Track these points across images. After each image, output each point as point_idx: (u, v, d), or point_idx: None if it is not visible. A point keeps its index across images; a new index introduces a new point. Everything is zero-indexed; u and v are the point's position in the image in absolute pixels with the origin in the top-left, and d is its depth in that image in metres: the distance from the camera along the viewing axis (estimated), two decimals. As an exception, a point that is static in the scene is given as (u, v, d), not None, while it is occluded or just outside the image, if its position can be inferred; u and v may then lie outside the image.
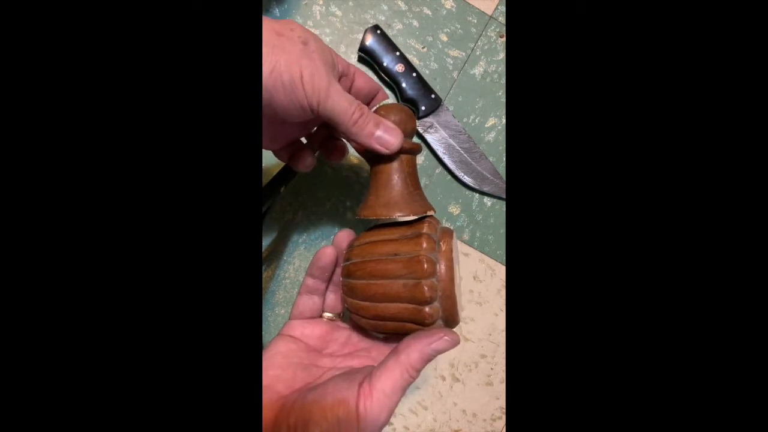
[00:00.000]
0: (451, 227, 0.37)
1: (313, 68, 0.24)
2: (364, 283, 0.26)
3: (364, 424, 0.21)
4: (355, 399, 0.22)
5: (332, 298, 0.32)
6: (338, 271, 0.31)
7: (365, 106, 0.26)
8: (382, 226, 0.29)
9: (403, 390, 0.23)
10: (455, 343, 0.24)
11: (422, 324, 0.25)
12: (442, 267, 0.26)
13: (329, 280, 0.31)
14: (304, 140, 0.34)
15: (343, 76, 0.29)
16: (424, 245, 0.26)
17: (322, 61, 0.25)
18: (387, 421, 0.22)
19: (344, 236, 0.30)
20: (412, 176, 0.29)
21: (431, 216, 0.28)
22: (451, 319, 0.26)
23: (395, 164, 0.28)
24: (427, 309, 0.25)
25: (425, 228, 0.26)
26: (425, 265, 0.25)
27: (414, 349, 0.23)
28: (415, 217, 0.28)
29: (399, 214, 0.27)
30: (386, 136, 0.26)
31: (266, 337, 0.42)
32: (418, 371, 0.23)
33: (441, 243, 0.27)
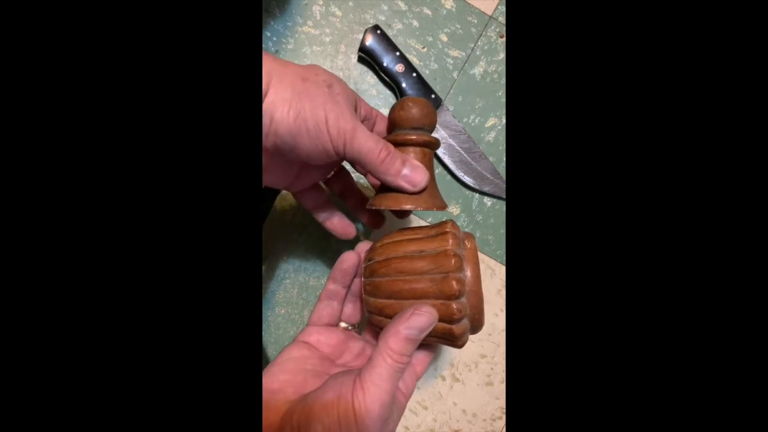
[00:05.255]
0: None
1: (339, 111, 0.25)
2: (389, 280, 0.26)
3: (360, 417, 0.21)
4: (351, 394, 0.22)
5: (350, 307, 0.32)
6: (357, 281, 0.31)
7: (391, 145, 0.27)
8: (402, 229, 0.29)
9: (392, 378, 0.23)
10: (432, 315, 0.24)
11: (450, 321, 0.25)
12: (468, 264, 0.26)
13: (349, 287, 0.31)
14: (325, 186, 0.34)
15: (365, 120, 0.29)
16: (451, 242, 0.26)
17: (347, 103, 0.26)
18: (383, 413, 0.22)
19: (365, 246, 0.31)
20: (431, 170, 0.29)
21: (451, 221, 0.28)
22: (477, 317, 0.26)
23: (418, 157, 0.28)
24: (454, 304, 0.25)
25: (449, 227, 0.27)
26: (453, 260, 0.25)
27: (389, 332, 0.24)
28: (437, 219, 0.29)
29: (424, 206, 0.27)
30: (412, 174, 0.27)
31: (266, 337, 0.42)
32: (403, 354, 0.23)
33: (466, 242, 0.27)
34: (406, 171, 0.27)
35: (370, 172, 0.27)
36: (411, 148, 0.28)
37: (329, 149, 0.25)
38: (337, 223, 0.33)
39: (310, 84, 0.24)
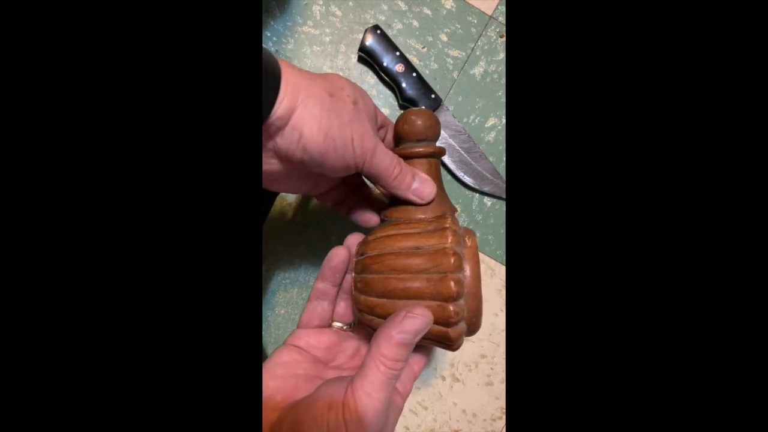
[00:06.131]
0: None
1: (363, 130, 0.26)
2: (382, 278, 0.25)
3: (352, 428, 0.21)
4: (342, 404, 0.21)
5: (343, 306, 0.31)
6: (348, 277, 0.30)
7: (402, 161, 0.28)
8: (398, 222, 0.28)
9: (386, 386, 0.22)
10: (426, 318, 0.23)
11: (446, 324, 0.24)
12: (468, 263, 0.25)
13: (340, 285, 0.30)
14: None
15: (380, 128, 0.31)
16: (450, 239, 0.25)
17: (370, 120, 0.27)
18: (378, 423, 0.21)
19: (356, 239, 0.30)
20: (438, 178, 0.29)
21: (451, 215, 0.28)
22: (474, 321, 0.25)
23: (425, 168, 0.29)
24: (451, 306, 0.24)
25: (449, 223, 0.26)
26: (452, 259, 0.24)
27: (381, 337, 0.23)
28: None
29: (432, 215, 0.28)
30: (421, 187, 0.28)
31: (266, 337, 0.42)
32: (396, 361, 0.22)
33: (466, 239, 0.26)
34: (415, 185, 0.28)
35: (383, 186, 0.28)
36: (417, 160, 0.29)
37: (351, 165, 0.26)
38: (360, 214, 0.33)
39: (336, 100, 0.25)
